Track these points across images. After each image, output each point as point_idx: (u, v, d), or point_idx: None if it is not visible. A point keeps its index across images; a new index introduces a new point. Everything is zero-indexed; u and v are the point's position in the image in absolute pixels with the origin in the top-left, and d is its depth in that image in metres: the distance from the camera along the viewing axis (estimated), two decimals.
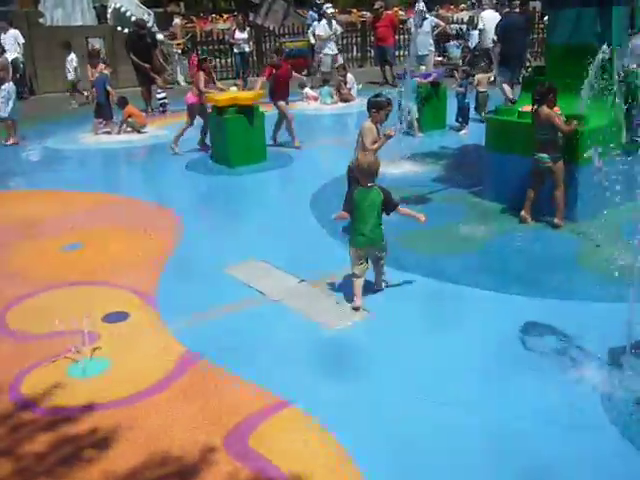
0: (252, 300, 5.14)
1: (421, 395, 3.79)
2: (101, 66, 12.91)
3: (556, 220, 6.33)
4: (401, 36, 20.43)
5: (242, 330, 4.64)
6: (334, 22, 16.23)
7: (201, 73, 9.99)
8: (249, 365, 4.17)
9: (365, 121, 6.30)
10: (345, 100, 13.91)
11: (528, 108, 6.49)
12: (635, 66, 7.66)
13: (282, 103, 10.14)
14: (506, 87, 11.10)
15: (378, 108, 6.21)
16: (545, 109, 6.16)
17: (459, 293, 5.12)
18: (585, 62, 6.58)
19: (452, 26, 20.51)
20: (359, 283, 4.96)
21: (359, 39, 21.78)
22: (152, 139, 11.59)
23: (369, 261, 5.06)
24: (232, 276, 5.57)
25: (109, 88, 11.87)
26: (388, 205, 4.96)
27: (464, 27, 19.86)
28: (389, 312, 4.86)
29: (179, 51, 17.71)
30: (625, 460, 3.23)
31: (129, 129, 11.87)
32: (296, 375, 4.05)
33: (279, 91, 10.16)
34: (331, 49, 16.12)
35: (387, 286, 5.24)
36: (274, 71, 10.20)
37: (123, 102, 11.82)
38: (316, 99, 14.24)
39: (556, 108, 6.22)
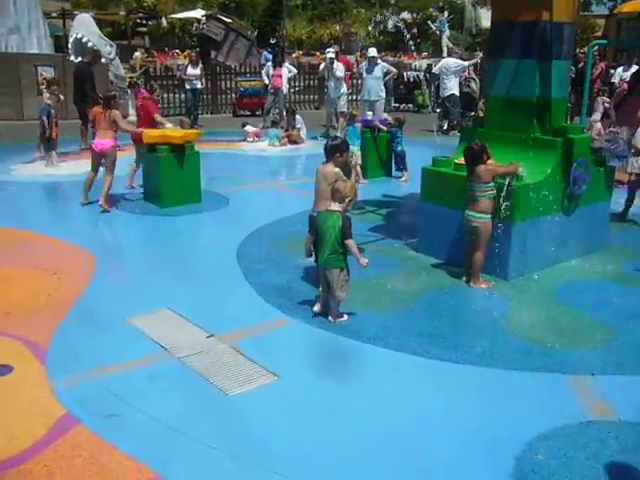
0: (152, 357, 4.71)
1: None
2: (45, 95, 12.51)
3: (472, 283, 6.05)
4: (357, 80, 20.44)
5: (132, 392, 4.19)
6: (287, 63, 16.26)
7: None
8: (130, 435, 3.74)
9: (326, 165, 5.75)
10: (294, 142, 13.72)
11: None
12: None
13: None
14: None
15: (342, 152, 5.76)
16: (481, 167, 5.89)
17: (377, 355, 4.76)
18: (524, 115, 6.45)
19: (409, 73, 20.67)
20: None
21: (317, 81, 21.74)
22: (85, 174, 11.11)
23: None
24: (137, 328, 5.13)
25: (44, 119, 11.30)
26: (343, 233, 5.07)
27: (421, 75, 19.98)
28: (297, 376, 4.46)
29: (125, 85, 17.41)
30: None
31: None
32: (178, 449, 3.63)
33: None
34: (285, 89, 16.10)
35: (333, 323, 5.21)
36: None
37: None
38: (258, 135, 14.08)
39: (490, 161, 5.98)
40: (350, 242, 5.12)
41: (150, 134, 8.85)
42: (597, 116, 13.12)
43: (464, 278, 6.15)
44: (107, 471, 3.42)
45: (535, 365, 4.57)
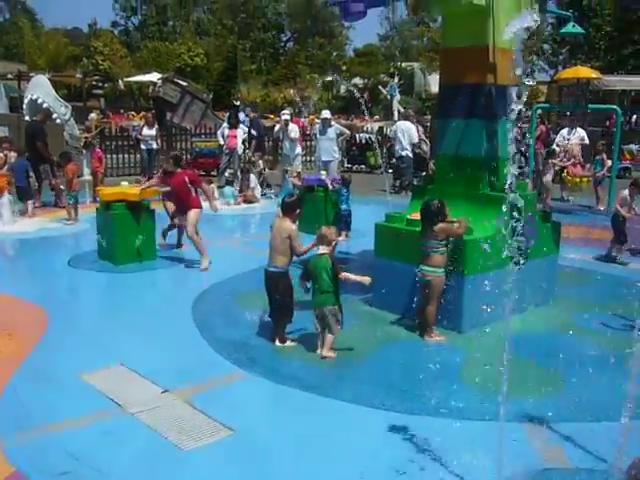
0: (105, 413, 4.63)
1: None
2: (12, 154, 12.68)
3: (426, 337, 6.13)
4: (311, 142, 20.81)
5: (83, 449, 4.09)
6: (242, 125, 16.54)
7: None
8: None
9: (283, 221, 5.85)
10: (248, 201, 13.84)
11: (417, 216, 6.42)
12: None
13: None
14: None
15: (298, 208, 5.96)
16: (438, 226, 6.03)
17: (333, 408, 4.76)
18: (472, 172, 6.67)
19: (361, 135, 21.15)
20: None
21: (271, 142, 22.02)
22: (43, 231, 11.09)
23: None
24: (90, 384, 5.05)
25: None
26: (334, 271, 5.56)
27: (373, 137, 20.46)
28: (252, 431, 4.42)
29: (80, 145, 17.42)
30: None
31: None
32: None
33: (176, 205, 9.08)
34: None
35: (322, 358, 5.56)
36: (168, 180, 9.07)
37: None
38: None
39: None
40: (344, 275, 5.61)
41: (106, 191, 8.85)
42: (549, 177, 13.62)
43: (418, 332, 6.23)
44: None
45: (490, 414, 4.62)
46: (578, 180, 13.68)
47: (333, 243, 5.74)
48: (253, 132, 17.14)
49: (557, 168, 14.28)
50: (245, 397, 4.94)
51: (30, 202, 12.53)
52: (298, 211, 5.93)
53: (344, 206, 10.87)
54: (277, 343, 5.89)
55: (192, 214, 8.67)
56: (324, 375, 5.31)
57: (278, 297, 5.87)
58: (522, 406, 4.78)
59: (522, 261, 6.69)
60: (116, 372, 5.30)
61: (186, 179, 8.72)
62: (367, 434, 4.41)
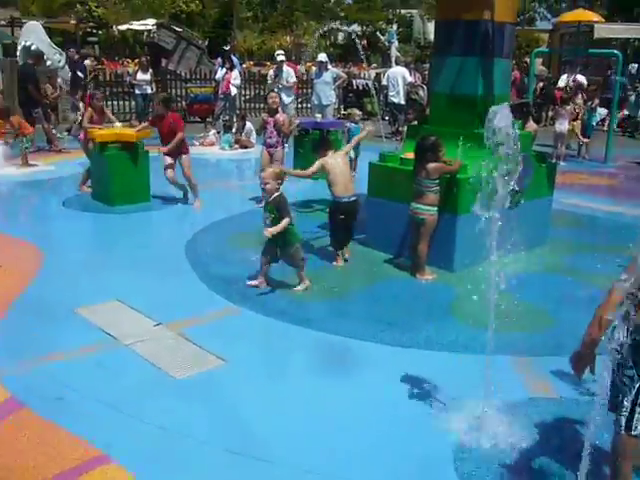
0: (100, 345, 4.69)
1: (259, 461, 3.41)
2: None
3: (418, 275, 6.16)
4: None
5: (78, 378, 4.17)
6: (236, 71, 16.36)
7: (89, 110, 9.61)
8: (76, 417, 3.72)
9: (338, 156, 6.53)
10: (244, 147, 13.76)
11: (411, 155, 6.40)
12: None
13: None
14: None
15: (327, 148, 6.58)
16: (432, 165, 5.99)
17: (326, 341, 4.83)
18: (467, 111, 6.61)
19: (358, 81, 20.92)
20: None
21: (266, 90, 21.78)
22: (37, 174, 11.05)
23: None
24: (84, 318, 5.11)
25: None
26: None
27: (369, 83, 20.25)
28: (244, 363, 4.48)
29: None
30: None
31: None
32: (123, 429, 3.64)
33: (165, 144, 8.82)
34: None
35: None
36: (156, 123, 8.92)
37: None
38: (212, 144, 14.13)
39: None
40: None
41: (101, 133, 8.79)
42: (563, 126, 13.22)
43: (410, 270, 6.27)
44: (51, 447, 3.41)
45: (479, 348, 4.68)
46: (571, 128, 13.52)
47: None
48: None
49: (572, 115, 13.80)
50: (237, 330, 5.01)
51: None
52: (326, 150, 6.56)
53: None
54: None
55: (185, 158, 8.85)
56: (316, 310, 5.36)
57: (354, 222, 6.56)
58: (512, 339, 4.84)
59: (516, 201, 6.74)
60: (111, 307, 5.36)
61: (171, 121, 8.69)
62: (358, 366, 4.48)
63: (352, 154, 10.82)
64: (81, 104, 14.03)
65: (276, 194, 5.58)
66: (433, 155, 6.02)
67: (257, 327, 5.12)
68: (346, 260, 6.54)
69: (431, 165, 6.01)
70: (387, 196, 6.72)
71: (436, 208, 6.06)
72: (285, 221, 5.50)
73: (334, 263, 6.47)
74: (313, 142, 10.77)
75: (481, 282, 5.98)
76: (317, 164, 6.42)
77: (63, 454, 3.36)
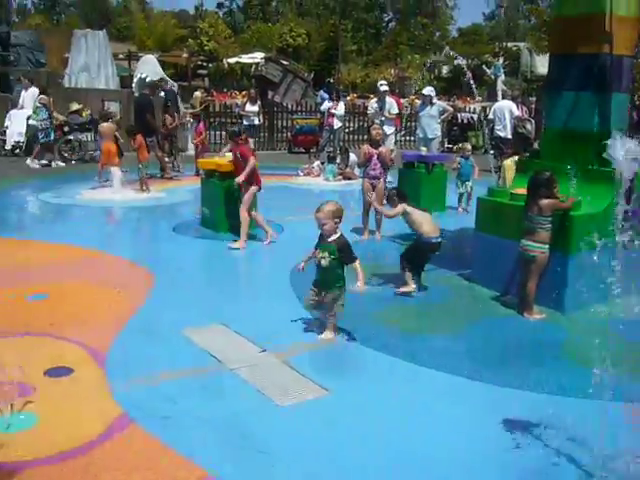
0: (206, 367, 4.79)
1: None
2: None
3: (525, 314, 5.97)
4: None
5: (187, 398, 4.27)
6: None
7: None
8: (182, 435, 3.80)
9: None
10: (347, 178, 13.90)
11: (521, 190, 6.26)
12: None
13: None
14: None
15: None
16: (545, 201, 5.83)
17: (431, 378, 4.74)
18: (582, 147, 6.42)
19: (463, 114, 20.79)
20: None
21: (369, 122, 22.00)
22: (151, 201, 11.59)
23: None
24: (192, 341, 5.24)
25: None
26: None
27: (474, 116, 20.08)
28: (348, 394, 4.45)
29: (191, 119, 17.97)
30: None
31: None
32: (229, 450, 3.69)
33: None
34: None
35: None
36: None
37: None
38: (318, 175, 14.37)
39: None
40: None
41: (202, 161, 9.10)
42: None
43: (517, 309, 6.10)
44: (158, 466, 3.49)
45: (594, 392, 4.46)
46: None
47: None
48: None
49: None
50: (341, 360, 5.02)
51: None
52: None
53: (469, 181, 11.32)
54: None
55: (247, 192, 8.44)
56: (422, 346, 5.29)
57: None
58: (624, 387, 4.60)
59: (635, 241, 6.45)
60: (217, 331, 5.48)
61: (237, 154, 8.51)
62: (466, 405, 4.37)
63: (468, 188, 10.90)
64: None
65: (338, 234, 5.49)
66: (547, 191, 5.86)
67: (362, 359, 5.08)
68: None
69: (544, 201, 5.85)
70: (495, 232, 6.59)
71: (547, 246, 5.89)
72: (359, 264, 5.36)
73: (406, 289, 6.47)
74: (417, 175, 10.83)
75: (593, 324, 5.79)
76: (400, 208, 6.67)
77: (168, 473, 3.44)
